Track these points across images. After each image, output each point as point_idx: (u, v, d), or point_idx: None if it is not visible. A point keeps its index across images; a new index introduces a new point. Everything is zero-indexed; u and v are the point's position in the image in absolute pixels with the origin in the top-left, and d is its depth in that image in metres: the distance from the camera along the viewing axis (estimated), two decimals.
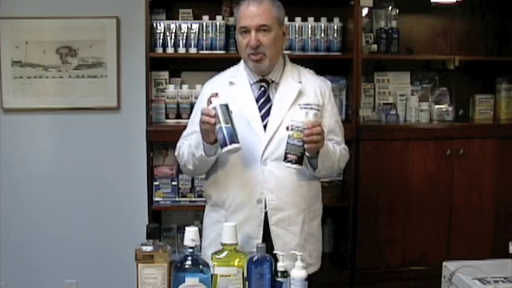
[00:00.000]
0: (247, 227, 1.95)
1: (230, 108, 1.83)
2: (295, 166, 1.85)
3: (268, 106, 2.01)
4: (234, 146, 1.81)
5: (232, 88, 2.05)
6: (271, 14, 1.97)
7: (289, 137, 1.84)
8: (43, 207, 3.26)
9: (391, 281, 3.05)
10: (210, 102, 1.85)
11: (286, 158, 1.85)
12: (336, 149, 2.03)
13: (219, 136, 1.81)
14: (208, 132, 1.85)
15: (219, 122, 1.80)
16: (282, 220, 1.98)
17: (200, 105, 2.10)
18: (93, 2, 3.17)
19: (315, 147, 1.87)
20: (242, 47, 1.99)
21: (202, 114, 1.84)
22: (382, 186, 3.03)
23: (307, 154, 1.89)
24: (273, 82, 2.04)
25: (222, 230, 1.95)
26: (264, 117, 1.99)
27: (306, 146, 1.83)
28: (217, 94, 1.86)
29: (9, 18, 3.12)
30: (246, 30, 1.96)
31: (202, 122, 1.85)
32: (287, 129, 1.86)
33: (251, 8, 1.95)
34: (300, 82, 2.04)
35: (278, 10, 2.00)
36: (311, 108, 2.00)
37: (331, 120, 2.07)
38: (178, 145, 2.11)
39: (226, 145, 1.81)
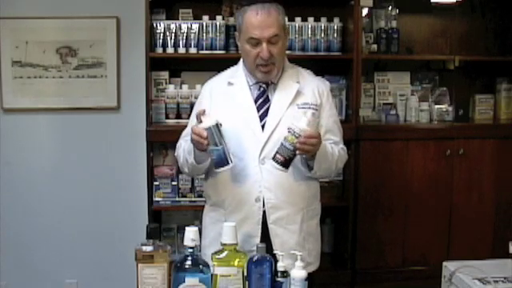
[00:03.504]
0: (246, 226, 1.96)
1: (221, 123, 1.86)
2: (280, 167, 1.87)
3: (266, 106, 2.02)
4: (225, 168, 1.88)
5: (231, 88, 2.06)
6: (279, 23, 1.97)
7: (284, 138, 1.85)
8: (43, 207, 3.26)
9: (391, 281, 3.05)
10: (199, 119, 1.87)
11: (274, 157, 1.87)
12: (334, 150, 2.03)
13: (212, 156, 1.88)
14: (199, 145, 1.88)
15: (211, 143, 1.84)
16: (280, 218, 1.98)
17: (200, 105, 2.11)
18: (93, 1, 3.17)
19: (306, 153, 1.88)
20: (251, 57, 1.97)
21: (194, 133, 1.85)
22: (381, 186, 3.03)
23: (304, 156, 1.90)
24: (272, 82, 2.05)
25: (221, 229, 1.96)
26: (262, 117, 2.00)
27: (296, 152, 1.85)
28: (204, 111, 1.87)
29: (9, 18, 3.11)
30: (256, 43, 1.95)
31: (193, 141, 1.87)
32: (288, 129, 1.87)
33: (260, 17, 1.93)
34: (298, 83, 2.05)
35: (283, 17, 2.00)
36: (309, 107, 2.01)
37: (329, 120, 2.07)
38: (177, 145, 2.14)
39: (217, 167, 1.88)
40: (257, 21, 1.93)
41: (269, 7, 1.96)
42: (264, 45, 1.94)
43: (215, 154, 1.86)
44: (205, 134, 1.83)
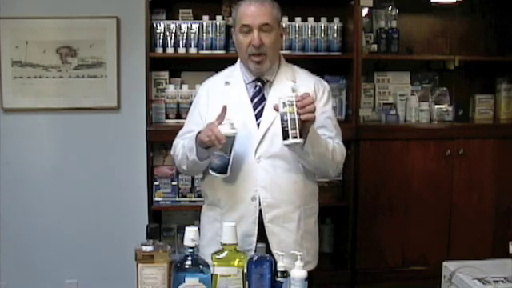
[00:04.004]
0: (242, 225, 1.95)
1: (237, 136, 1.87)
2: (298, 140, 1.79)
3: (262, 104, 2.02)
4: (221, 175, 1.92)
5: (227, 88, 2.07)
6: (273, 14, 1.98)
7: (284, 114, 1.78)
8: (43, 207, 3.26)
9: (391, 281, 3.05)
10: (221, 117, 1.86)
11: (287, 136, 1.79)
12: (328, 140, 1.99)
13: (215, 161, 1.89)
14: (209, 144, 1.87)
15: (222, 150, 1.86)
16: (277, 217, 1.98)
17: (197, 105, 2.12)
18: (93, 2, 3.17)
19: (311, 117, 1.82)
20: (243, 47, 1.99)
21: (213, 133, 1.83)
22: (381, 186, 3.03)
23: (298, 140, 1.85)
24: (268, 81, 2.06)
25: (218, 228, 1.97)
26: (258, 115, 2.00)
27: (302, 116, 1.78)
28: (225, 108, 1.88)
29: (9, 18, 3.11)
30: (248, 30, 1.97)
31: (207, 137, 1.85)
32: (275, 109, 1.83)
33: (252, 8, 1.96)
34: (294, 81, 2.05)
35: (277, 11, 2.02)
36: None
37: (322, 116, 2.05)
38: (174, 144, 2.13)
39: (215, 171, 1.91)
40: (249, 10, 1.96)
41: (263, 0, 1.98)
42: (255, 31, 1.95)
43: (221, 160, 1.87)
44: (223, 140, 1.83)
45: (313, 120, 1.84)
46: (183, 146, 2.03)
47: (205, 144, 1.89)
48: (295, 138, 1.78)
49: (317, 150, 1.92)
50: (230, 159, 1.88)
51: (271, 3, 2.00)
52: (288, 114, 1.78)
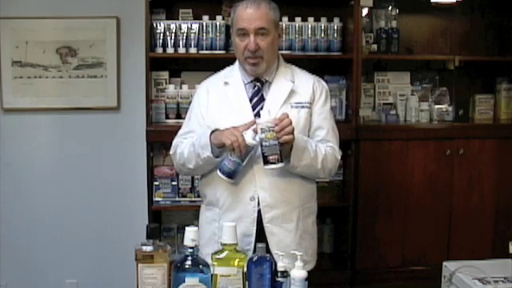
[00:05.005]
0: (241, 225, 1.96)
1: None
2: (279, 165, 1.87)
3: (261, 104, 2.03)
4: (227, 179, 1.94)
5: (226, 88, 2.07)
6: (269, 17, 1.98)
7: (263, 140, 1.85)
8: (43, 207, 3.26)
9: (391, 281, 3.05)
10: (249, 126, 1.89)
11: (267, 162, 1.86)
12: (319, 148, 2.00)
13: (228, 164, 1.91)
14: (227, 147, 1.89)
15: (238, 155, 1.88)
16: (276, 217, 1.99)
17: (198, 104, 2.12)
18: (93, 2, 3.17)
19: (290, 139, 1.87)
20: (240, 50, 2.00)
21: (238, 139, 1.84)
22: (381, 186, 3.03)
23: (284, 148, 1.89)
24: (267, 81, 2.06)
25: (216, 228, 1.97)
26: (257, 115, 2.01)
27: (280, 140, 1.84)
28: (254, 122, 1.91)
29: (9, 18, 3.11)
30: (244, 33, 1.97)
31: (229, 140, 1.86)
32: (255, 132, 1.88)
33: (249, 11, 1.97)
34: (293, 82, 2.06)
35: (274, 13, 2.02)
36: (302, 107, 2.03)
37: (319, 116, 2.06)
38: (175, 143, 2.12)
39: (223, 174, 1.93)
40: (245, 13, 1.97)
41: (259, 2, 1.99)
42: (251, 36, 1.96)
43: (234, 166, 1.91)
44: (244, 149, 1.86)
45: (291, 141, 1.88)
46: (192, 144, 2.02)
47: (222, 145, 1.90)
48: (275, 163, 1.86)
49: (304, 163, 1.96)
50: (240, 166, 1.91)
51: (268, 4, 2.00)
52: (267, 140, 1.84)
